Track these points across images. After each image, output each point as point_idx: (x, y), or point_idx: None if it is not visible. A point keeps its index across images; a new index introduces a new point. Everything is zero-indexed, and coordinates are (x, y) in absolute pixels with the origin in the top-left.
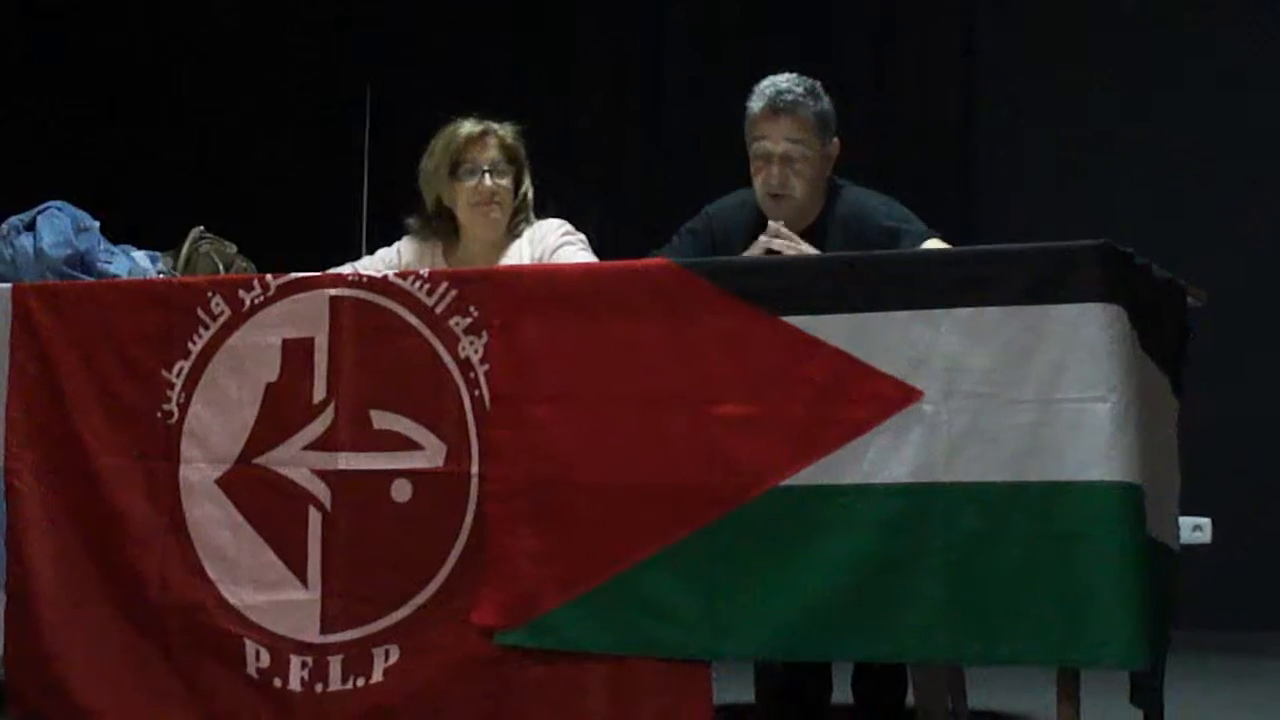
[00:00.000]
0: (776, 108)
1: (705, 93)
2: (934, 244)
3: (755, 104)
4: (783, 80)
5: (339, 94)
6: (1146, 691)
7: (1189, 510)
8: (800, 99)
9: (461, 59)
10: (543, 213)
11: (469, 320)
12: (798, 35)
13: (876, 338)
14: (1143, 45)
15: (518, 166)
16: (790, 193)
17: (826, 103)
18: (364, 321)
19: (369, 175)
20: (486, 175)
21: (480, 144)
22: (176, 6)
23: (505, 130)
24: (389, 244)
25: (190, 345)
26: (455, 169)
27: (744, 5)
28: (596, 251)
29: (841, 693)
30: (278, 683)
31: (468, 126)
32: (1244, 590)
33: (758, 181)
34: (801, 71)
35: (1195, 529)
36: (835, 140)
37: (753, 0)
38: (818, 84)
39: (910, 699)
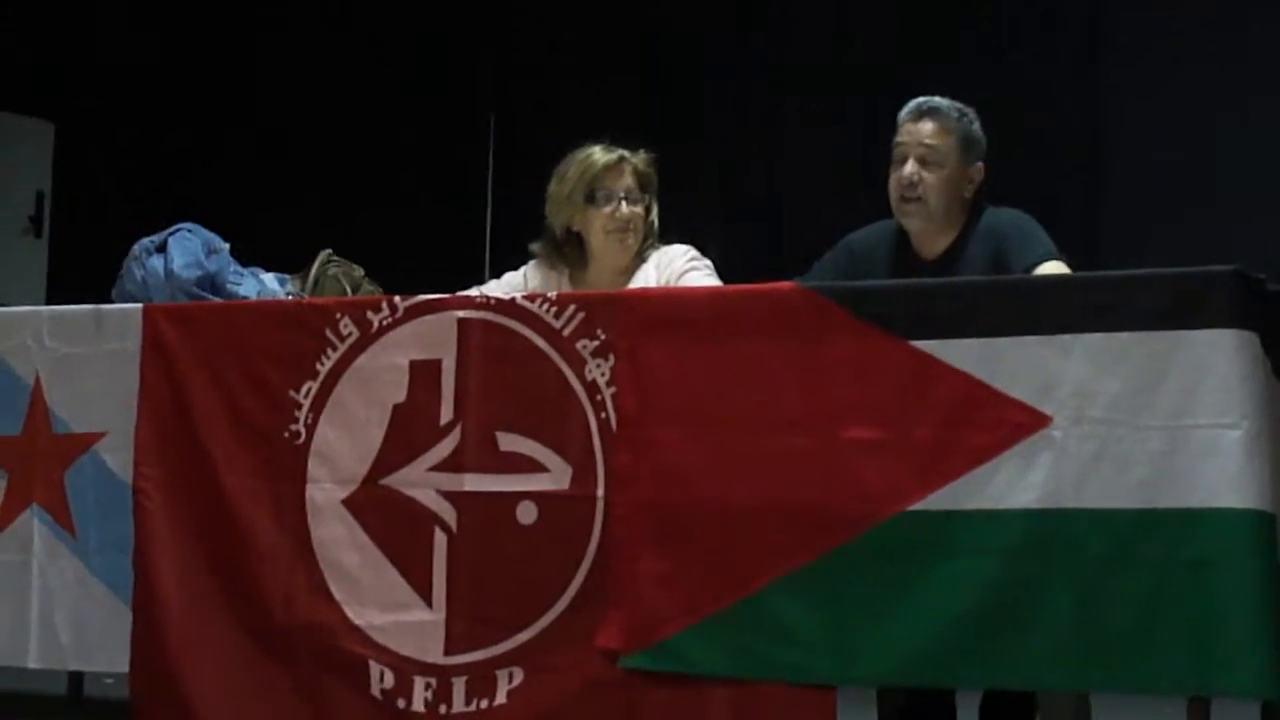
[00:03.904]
0: (920, 111)
1: (831, 122)
2: (1052, 267)
3: (901, 113)
4: (936, 97)
5: (463, 120)
6: None
7: None
8: (945, 108)
9: (584, 85)
10: (666, 239)
11: (596, 343)
12: (919, 52)
13: (1005, 363)
14: (1273, 66)
15: (649, 194)
16: (921, 195)
17: (975, 127)
18: (491, 343)
19: (493, 200)
20: (623, 202)
21: (617, 171)
22: (307, 35)
23: (639, 158)
24: (514, 268)
25: (318, 366)
26: (591, 195)
27: (870, 36)
28: (720, 278)
29: None
30: (401, 703)
31: (602, 154)
32: None
33: (891, 186)
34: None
35: None
36: (980, 165)
37: (879, 28)
38: (971, 110)
39: None
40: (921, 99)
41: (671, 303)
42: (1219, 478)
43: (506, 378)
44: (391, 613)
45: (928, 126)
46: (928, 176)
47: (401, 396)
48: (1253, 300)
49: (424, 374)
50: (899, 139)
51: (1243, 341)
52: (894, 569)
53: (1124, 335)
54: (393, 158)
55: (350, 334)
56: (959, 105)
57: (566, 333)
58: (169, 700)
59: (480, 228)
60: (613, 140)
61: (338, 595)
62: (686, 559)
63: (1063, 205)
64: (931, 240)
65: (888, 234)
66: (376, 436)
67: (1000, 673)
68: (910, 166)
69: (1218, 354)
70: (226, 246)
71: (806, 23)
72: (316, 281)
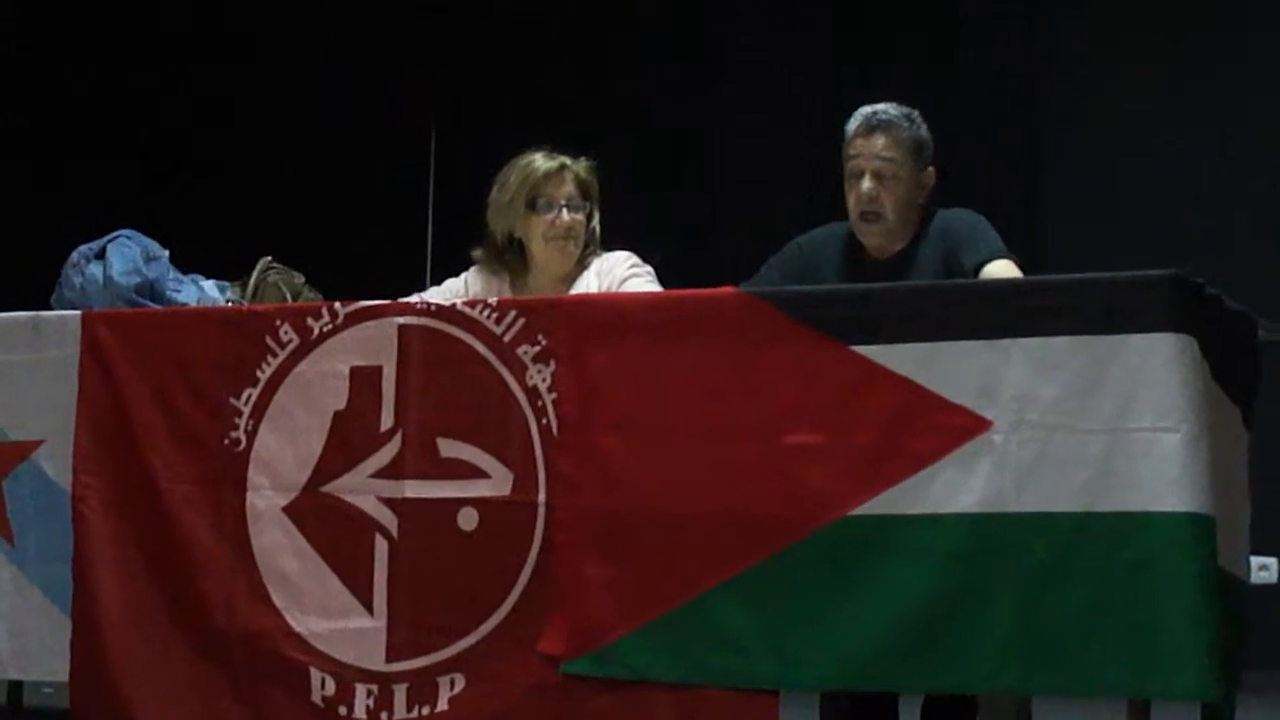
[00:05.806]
0: (871, 125)
1: (774, 125)
2: (1000, 265)
3: (850, 125)
4: (880, 104)
5: (405, 127)
6: None
7: (1255, 550)
8: (895, 119)
9: (523, 91)
10: (608, 245)
11: (537, 349)
12: (860, 58)
13: (945, 367)
14: (1212, 71)
15: (591, 201)
16: (880, 210)
17: (924, 130)
18: (432, 350)
19: (434, 206)
20: (564, 210)
21: (558, 179)
22: (244, 39)
23: (580, 165)
24: (455, 274)
25: (259, 373)
26: (532, 203)
27: (803, 28)
28: (662, 285)
29: None
30: (343, 711)
31: (543, 161)
32: None
33: (850, 203)
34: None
35: (1261, 568)
36: (930, 170)
37: (816, 21)
38: (916, 113)
39: None
40: (868, 110)
41: (612, 308)
42: (1159, 481)
43: (447, 384)
44: (332, 620)
45: (880, 141)
46: (885, 192)
47: (342, 403)
48: (1191, 303)
49: (364, 380)
50: (852, 153)
51: (1181, 345)
52: (836, 574)
53: (1063, 339)
54: (333, 164)
55: (290, 341)
56: (905, 111)
57: (507, 339)
58: (109, 709)
59: (421, 234)
60: (554, 147)
61: (278, 602)
62: (628, 564)
63: (1002, 210)
64: (886, 246)
65: (839, 235)
66: (317, 443)
67: (941, 677)
68: (868, 183)
69: (1157, 357)
70: (166, 253)
71: (748, 27)
72: (256, 288)
